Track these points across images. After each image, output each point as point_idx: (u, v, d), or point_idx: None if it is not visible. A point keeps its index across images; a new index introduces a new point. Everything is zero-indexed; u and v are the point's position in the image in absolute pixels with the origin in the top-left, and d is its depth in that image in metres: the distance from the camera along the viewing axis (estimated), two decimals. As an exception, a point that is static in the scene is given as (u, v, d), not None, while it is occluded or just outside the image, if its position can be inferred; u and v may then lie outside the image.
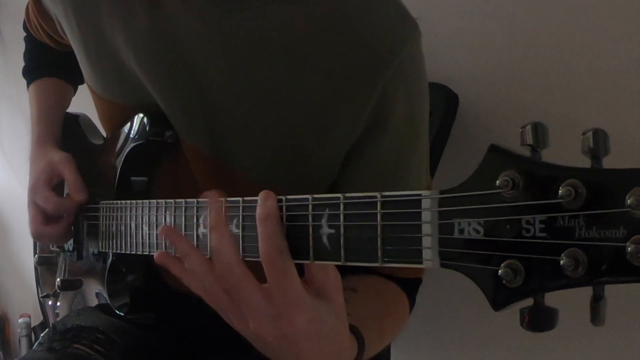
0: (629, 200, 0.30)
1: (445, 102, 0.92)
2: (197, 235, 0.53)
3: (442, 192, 0.36)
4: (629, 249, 0.30)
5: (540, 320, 0.34)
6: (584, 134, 0.32)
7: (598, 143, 0.32)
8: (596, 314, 0.32)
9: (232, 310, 0.45)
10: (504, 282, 0.34)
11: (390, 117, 0.60)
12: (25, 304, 2.35)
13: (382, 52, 0.58)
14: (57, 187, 0.76)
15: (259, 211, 0.43)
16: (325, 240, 0.42)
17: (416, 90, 0.63)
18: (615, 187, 0.31)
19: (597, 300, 0.32)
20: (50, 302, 0.87)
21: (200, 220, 0.53)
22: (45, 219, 0.74)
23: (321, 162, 0.62)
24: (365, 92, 0.59)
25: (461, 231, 0.35)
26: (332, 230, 0.42)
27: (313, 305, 0.42)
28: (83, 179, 0.75)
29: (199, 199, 0.53)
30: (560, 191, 0.32)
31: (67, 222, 0.75)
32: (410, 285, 0.65)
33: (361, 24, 0.59)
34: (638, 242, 0.30)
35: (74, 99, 0.90)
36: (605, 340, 0.82)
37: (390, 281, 0.63)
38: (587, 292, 0.33)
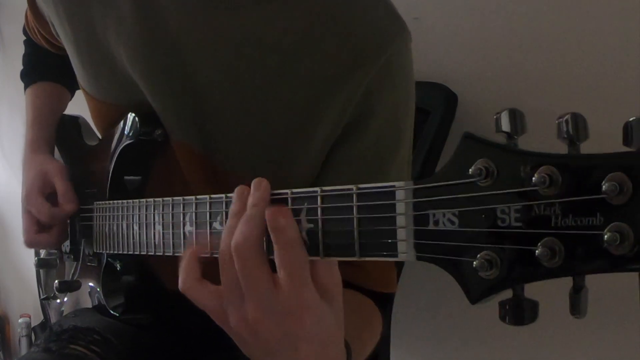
0: (604, 187, 0.29)
1: (444, 102, 0.92)
2: (184, 234, 0.53)
3: (416, 183, 0.35)
4: (606, 237, 0.28)
5: (519, 313, 0.32)
6: (560, 118, 0.31)
7: (577, 128, 0.31)
8: (576, 305, 0.31)
9: (232, 297, 0.40)
10: (479, 274, 0.33)
11: (373, 116, 0.60)
12: (25, 304, 2.36)
13: (368, 49, 0.58)
14: (50, 195, 0.76)
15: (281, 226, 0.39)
16: (304, 235, 0.41)
17: (402, 91, 0.62)
18: (591, 174, 0.29)
19: (577, 291, 0.31)
20: (58, 301, 0.87)
21: (187, 218, 0.53)
22: (38, 228, 0.76)
23: (307, 159, 0.62)
24: (350, 88, 0.58)
25: (436, 222, 0.34)
26: (311, 225, 0.41)
27: (320, 306, 0.39)
28: (78, 182, 0.76)
29: (185, 197, 0.52)
30: (534, 178, 0.31)
31: (59, 230, 0.76)
32: (383, 300, 0.63)
33: (349, 22, 0.59)
34: (615, 229, 0.28)
35: (70, 102, 0.91)
36: (604, 336, 0.80)
37: (365, 296, 0.61)
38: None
